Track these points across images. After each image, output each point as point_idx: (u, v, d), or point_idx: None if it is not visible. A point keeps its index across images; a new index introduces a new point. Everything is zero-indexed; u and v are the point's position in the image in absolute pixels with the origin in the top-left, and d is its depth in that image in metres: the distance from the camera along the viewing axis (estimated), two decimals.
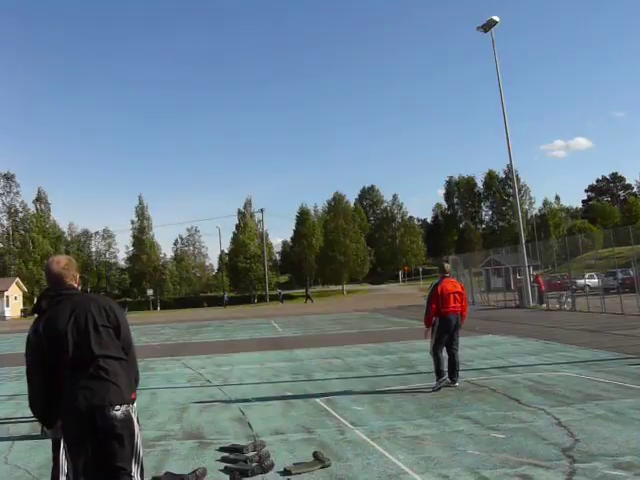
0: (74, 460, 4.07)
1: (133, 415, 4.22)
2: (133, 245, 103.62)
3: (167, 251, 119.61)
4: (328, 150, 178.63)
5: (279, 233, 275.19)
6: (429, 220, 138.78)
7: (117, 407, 4.10)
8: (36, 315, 4.40)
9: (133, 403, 4.23)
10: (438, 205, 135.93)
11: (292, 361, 16.26)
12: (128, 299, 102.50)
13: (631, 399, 9.19)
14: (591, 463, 6.23)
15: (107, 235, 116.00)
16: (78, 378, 4.09)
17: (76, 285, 4.53)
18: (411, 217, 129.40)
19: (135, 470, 4.14)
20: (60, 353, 4.13)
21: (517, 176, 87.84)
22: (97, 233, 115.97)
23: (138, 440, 4.23)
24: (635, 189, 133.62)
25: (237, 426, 9.06)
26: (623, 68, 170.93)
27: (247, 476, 6.38)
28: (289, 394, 11.41)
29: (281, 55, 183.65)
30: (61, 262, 4.53)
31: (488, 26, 38.37)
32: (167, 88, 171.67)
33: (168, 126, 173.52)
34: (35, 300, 5.46)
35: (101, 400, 4.04)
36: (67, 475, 4.75)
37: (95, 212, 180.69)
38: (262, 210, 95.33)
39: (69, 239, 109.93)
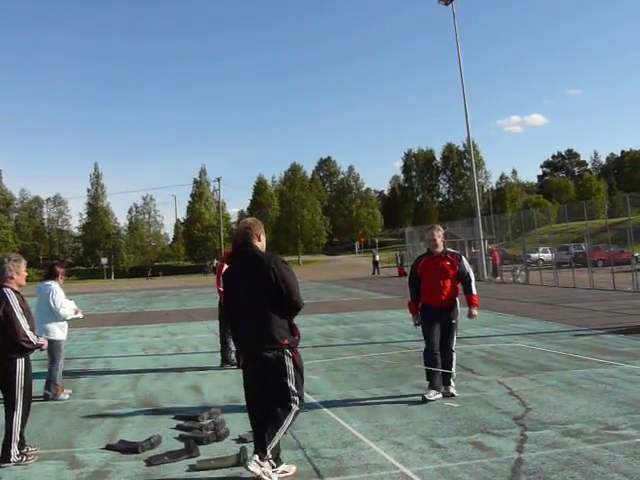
0: None
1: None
2: (87, 213, 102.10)
3: (122, 220, 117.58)
4: (286, 122, 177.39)
5: (236, 203, 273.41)
6: (386, 192, 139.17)
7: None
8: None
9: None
10: (395, 177, 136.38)
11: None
12: (81, 267, 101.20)
13: (581, 369, 9.38)
14: (542, 431, 6.34)
15: (59, 202, 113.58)
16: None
17: (257, 243, 5.47)
18: (368, 189, 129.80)
19: None
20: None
21: (475, 149, 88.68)
22: (49, 200, 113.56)
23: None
24: (589, 166, 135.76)
25: (192, 394, 9.02)
26: (579, 46, 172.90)
27: (202, 444, 6.34)
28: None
29: (236, 28, 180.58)
30: (246, 222, 5.65)
31: None
32: (121, 58, 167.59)
33: (123, 95, 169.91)
34: None
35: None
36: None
37: (47, 179, 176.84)
38: (219, 179, 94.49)
39: (19, 206, 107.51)
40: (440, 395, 7.87)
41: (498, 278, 35.64)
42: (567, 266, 32.23)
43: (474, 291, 8.39)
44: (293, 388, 5.20)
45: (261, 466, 5.00)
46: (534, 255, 39.75)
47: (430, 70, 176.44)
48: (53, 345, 8.93)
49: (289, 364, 5.19)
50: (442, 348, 8.09)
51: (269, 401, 5.22)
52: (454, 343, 8.22)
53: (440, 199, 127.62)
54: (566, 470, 5.17)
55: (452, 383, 8.07)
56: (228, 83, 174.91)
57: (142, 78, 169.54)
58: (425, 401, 7.68)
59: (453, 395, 7.91)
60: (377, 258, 55.40)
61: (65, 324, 9.35)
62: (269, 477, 5.04)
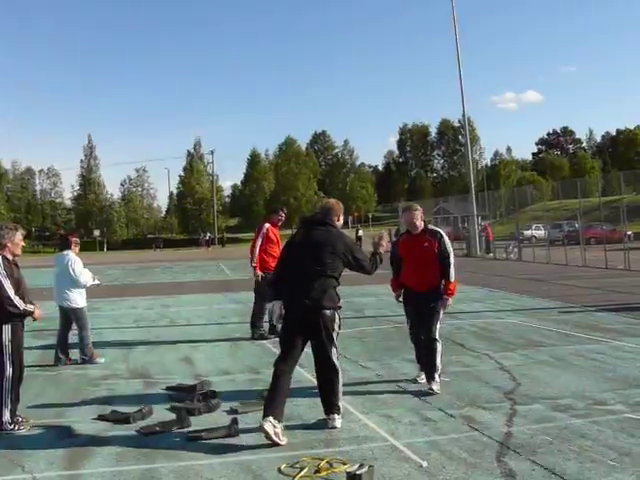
0: None
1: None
2: (80, 185, 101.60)
3: (115, 192, 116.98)
4: (280, 94, 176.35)
5: (230, 176, 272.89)
6: (380, 167, 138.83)
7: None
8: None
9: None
10: (390, 152, 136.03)
11: (240, 303, 16.24)
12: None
13: (571, 346, 9.44)
14: (531, 405, 6.41)
15: (52, 174, 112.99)
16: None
17: (337, 221, 6.30)
18: (362, 163, 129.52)
19: None
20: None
21: (470, 125, 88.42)
22: (42, 171, 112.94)
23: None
24: (584, 143, 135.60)
25: (184, 366, 9.05)
26: (574, 22, 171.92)
27: (193, 415, 6.37)
28: (237, 335, 11.43)
29: None
30: (330, 202, 6.48)
31: None
32: (116, 26, 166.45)
33: (117, 64, 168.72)
34: None
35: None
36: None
37: (40, 150, 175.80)
38: (212, 152, 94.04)
39: (11, 177, 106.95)
40: None
41: (491, 254, 35.71)
42: (560, 243, 32.23)
43: (452, 277, 7.36)
44: (336, 341, 6.06)
45: (274, 427, 5.41)
46: (527, 232, 39.80)
47: (426, 44, 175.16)
48: (77, 313, 9.45)
49: (338, 321, 6.08)
50: (424, 336, 7.32)
51: (320, 358, 6.01)
52: (437, 331, 7.29)
53: (434, 175, 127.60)
54: (554, 444, 5.23)
55: (436, 378, 7.15)
56: (223, 51, 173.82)
57: (137, 46, 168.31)
58: (416, 382, 7.49)
59: (432, 392, 6.99)
60: (360, 233, 55.45)
61: (84, 291, 9.63)
62: (279, 439, 5.41)
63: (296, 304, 5.94)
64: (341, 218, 6.39)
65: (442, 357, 7.33)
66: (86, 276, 9.48)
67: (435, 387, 7.06)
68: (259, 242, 10.92)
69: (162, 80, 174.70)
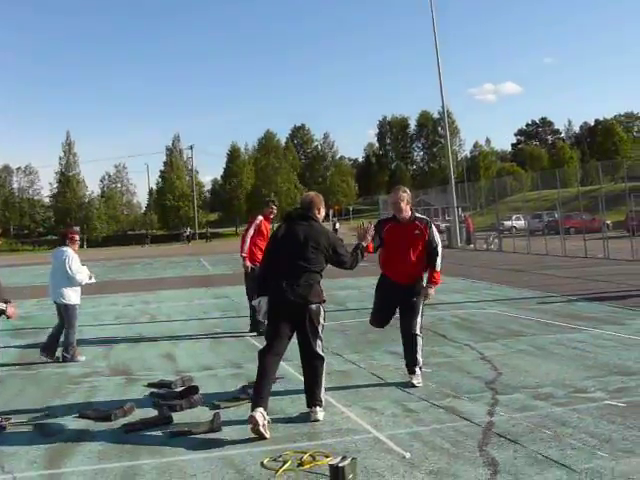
0: None
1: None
2: (58, 182, 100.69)
3: (94, 188, 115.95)
4: (259, 87, 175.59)
5: (209, 171, 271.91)
6: (360, 160, 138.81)
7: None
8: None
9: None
10: (370, 145, 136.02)
11: (221, 298, 16.21)
12: (53, 237, 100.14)
13: (552, 335, 9.51)
14: (512, 395, 6.44)
15: (30, 171, 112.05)
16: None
17: (318, 214, 6.32)
18: (342, 156, 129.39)
19: None
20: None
21: (450, 117, 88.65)
22: (19, 169, 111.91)
23: None
24: (563, 134, 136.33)
25: (165, 362, 9.02)
26: (553, 14, 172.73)
27: (175, 411, 6.34)
28: (218, 331, 11.39)
29: None
30: (309, 195, 6.50)
31: None
32: (92, 15, 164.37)
33: (93, 58, 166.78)
34: None
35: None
36: None
37: (17, 147, 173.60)
38: (192, 147, 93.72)
39: None
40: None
41: (472, 245, 35.89)
42: (540, 234, 32.49)
43: (438, 266, 7.14)
44: (321, 334, 6.13)
45: (264, 418, 5.49)
46: (507, 223, 40.03)
47: (404, 32, 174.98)
48: (69, 310, 9.36)
49: (323, 315, 6.17)
50: (403, 331, 7.17)
51: (306, 350, 6.08)
52: (418, 325, 7.09)
53: (414, 167, 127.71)
54: (535, 432, 5.26)
55: (417, 371, 7.04)
56: (202, 43, 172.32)
57: (118, 38, 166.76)
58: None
59: (413, 385, 6.91)
60: (337, 227, 55.64)
61: (79, 289, 9.56)
62: (265, 430, 5.44)
63: (283, 299, 5.95)
64: (322, 211, 6.40)
65: (423, 351, 7.21)
66: (83, 274, 9.41)
67: (415, 381, 6.96)
68: (251, 232, 10.87)
69: (141, 73, 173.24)
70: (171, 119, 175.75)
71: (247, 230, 11.06)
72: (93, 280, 9.79)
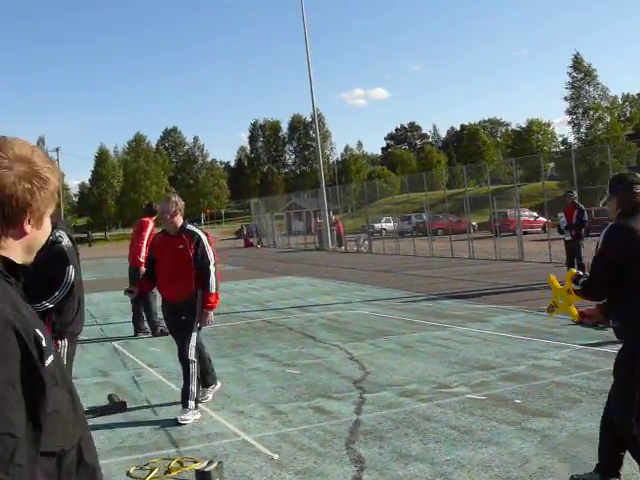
0: None
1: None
2: None
3: None
4: (128, 90, 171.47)
5: (77, 175, 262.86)
6: (232, 163, 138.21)
7: None
8: None
9: None
10: (242, 148, 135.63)
11: (90, 305, 15.68)
12: None
13: (417, 333, 9.78)
14: (380, 393, 6.58)
15: None
16: None
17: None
18: (214, 160, 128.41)
19: None
20: None
21: (322, 121, 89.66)
22: None
23: None
24: (430, 138, 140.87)
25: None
26: (420, 23, 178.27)
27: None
28: (84, 338, 10.96)
29: None
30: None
31: None
32: None
33: None
34: None
35: None
36: None
37: None
38: (57, 149, 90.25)
39: None
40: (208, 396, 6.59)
41: (342, 248, 36.42)
42: (409, 235, 33.34)
43: (211, 288, 6.16)
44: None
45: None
46: (377, 225, 40.90)
47: (277, 35, 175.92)
48: None
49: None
50: (179, 356, 6.28)
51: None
52: (192, 349, 6.11)
53: (287, 170, 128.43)
54: (400, 428, 5.39)
55: (190, 405, 5.98)
56: (60, 42, 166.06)
57: None
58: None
59: (182, 421, 5.84)
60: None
61: None
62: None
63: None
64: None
65: (199, 380, 6.23)
66: None
67: (184, 416, 5.89)
68: (146, 237, 10.46)
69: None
70: (32, 121, 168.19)
71: (140, 235, 10.67)
72: None
